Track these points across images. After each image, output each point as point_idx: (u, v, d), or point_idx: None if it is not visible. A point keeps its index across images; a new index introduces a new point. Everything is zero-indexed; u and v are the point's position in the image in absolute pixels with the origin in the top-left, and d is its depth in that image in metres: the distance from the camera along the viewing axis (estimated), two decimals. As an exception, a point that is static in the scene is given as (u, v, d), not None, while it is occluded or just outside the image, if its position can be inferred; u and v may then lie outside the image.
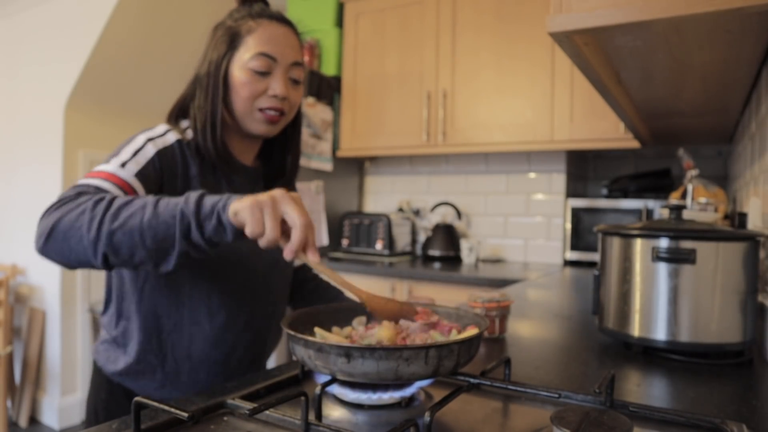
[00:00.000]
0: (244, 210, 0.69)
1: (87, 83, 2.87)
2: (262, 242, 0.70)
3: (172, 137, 0.95)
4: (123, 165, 0.86)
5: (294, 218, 0.69)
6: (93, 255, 0.73)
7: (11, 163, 3.20)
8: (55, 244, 0.75)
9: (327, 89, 2.96)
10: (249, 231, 0.68)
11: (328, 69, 3.06)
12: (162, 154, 0.91)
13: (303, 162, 2.72)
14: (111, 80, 2.96)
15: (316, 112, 2.85)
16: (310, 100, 2.82)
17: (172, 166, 0.92)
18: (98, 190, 0.81)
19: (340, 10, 3.08)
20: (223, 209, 0.71)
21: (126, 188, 0.84)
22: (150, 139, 0.91)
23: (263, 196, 0.70)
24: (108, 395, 0.97)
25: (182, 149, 0.95)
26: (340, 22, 3.09)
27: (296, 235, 0.69)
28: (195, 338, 0.95)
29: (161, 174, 0.90)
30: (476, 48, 2.64)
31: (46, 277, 2.95)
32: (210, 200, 0.73)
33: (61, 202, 0.77)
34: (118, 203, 0.75)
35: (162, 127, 0.96)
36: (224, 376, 0.98)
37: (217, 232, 0.71)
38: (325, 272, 0.75)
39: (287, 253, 0.70)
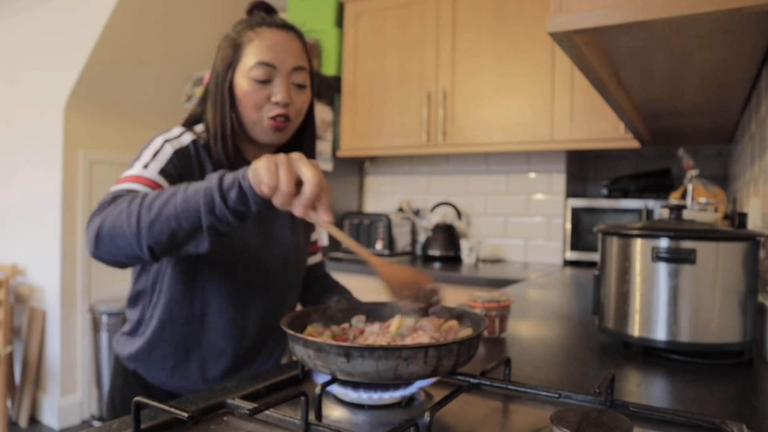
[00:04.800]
0: (261, 166, 0.70)
1: (87, 84, 2.87)
2: (277, 198, 0.70)
3: (188, 138, 0.99)
4: (146, 166, 0.91)
5: (308, 175, 0.70)
6: (139, 249, 0.77)
7: (11, 164, 3.20)
8: (104, 246, 0.79)
9: (327, 89, 2.96)
10: (265, 186, 0.69)
11: (328, 69, 3.06)
12: (179, 153, 0.96)
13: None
14: (111, 80, 2.95)
15: (316, 112, 2.85)
16: (310, 100, 2.81)
17: (188, 164, 0.97)
18: (129, 192, 0.85)
19: (340, 10, 3.08)
20: (243, 177, 0.72)
21: (153, 186, 0.88)
22: (167, 141, 0.96)
23: (280, 155, 0.71)
24: (124, 382, 1.04)
25: (197, 149, 0.99)
26: (340, 22, 3.09)
27: (308, 189, 0.69)
28: (205, 330, 1.00)
29: (180, 172, 0.95)
30: (476, 48, 2.64)
31: (46, 277, 2.96)
32: (231, 174, 0.74)
33: (100, 208, 0.82)
34: (150, 197, 0.78)
35: (177, 130, 1.01)
36: (232, 368, 1.03)
37: (241, 200, 0.72)
38: (337, 234, 0.75)
39: (297, 208, 0.70)
